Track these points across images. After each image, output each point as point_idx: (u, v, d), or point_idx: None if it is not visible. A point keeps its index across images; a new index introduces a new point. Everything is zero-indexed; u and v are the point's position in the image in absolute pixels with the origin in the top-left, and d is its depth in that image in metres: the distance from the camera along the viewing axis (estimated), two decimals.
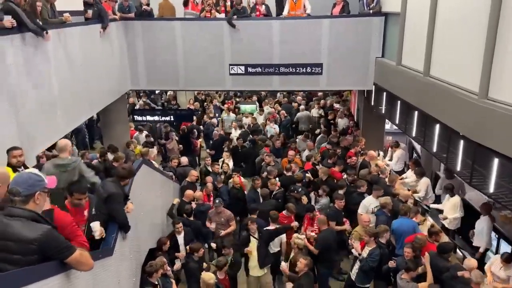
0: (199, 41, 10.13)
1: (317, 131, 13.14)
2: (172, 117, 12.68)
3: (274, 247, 6.96)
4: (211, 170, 9.57)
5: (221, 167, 9.71)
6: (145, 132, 12.48)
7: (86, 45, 7.88)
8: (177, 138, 12.03)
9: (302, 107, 14.70)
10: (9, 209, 2.65)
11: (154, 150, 10.95)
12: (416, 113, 7.62)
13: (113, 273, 4.29)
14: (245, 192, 8.72)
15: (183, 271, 6.59)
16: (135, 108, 14.72)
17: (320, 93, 16.78)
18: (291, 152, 9.90)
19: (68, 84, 7.09)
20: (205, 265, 6.41)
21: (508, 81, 4.86)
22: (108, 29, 8.77)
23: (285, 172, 8.97)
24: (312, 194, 8.57)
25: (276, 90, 16.32)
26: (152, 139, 12.27)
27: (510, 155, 4.69)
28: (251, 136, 11.96)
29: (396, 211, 7.05)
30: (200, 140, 13.00)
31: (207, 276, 5.36)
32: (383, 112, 9.69)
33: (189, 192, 7.91)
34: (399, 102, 8.48)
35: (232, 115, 14.75)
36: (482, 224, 7.01)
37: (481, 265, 6.03)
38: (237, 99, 18.08)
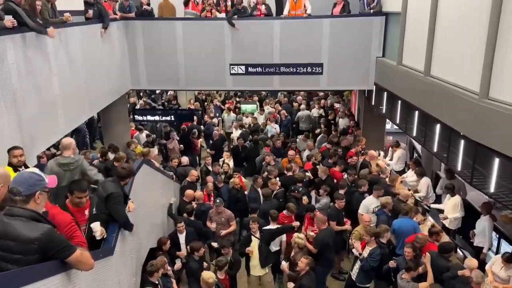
0: (199, 41, 10.13)
1: (317, 130, 13.14)
2: (172, 117, 12.69)
3: (274, 246, 6.96)
4: (211, 170, 9.57)
5: (222, 167, 9.71)
6: (145, 132, 12.49)
7: (87, 45, 7.89)
8: (178, 138, 12.04)
9: (302, 106, 14.71)
10: (10, 208, 2.65)
11: (154, 150, 10.96)
12: (416, 112, 7.62)
13: (113, 272, 4.29)
14: (246, 192, 8.71)
15: (184, 271, 6.60)
16: (136, 107, 14.73)
17: (321, 93, 16.79)
18: (291, 152, 9.90)
19: (69, 83, 7.10)
20: (205, 264, 6.41)
21: (509, 81, 4.86)
22: (108, 29, 8.77)
23: (285, 172, 8.97)
24: (312, 193, 8.58)
25: (277, 90, 16.34)
26: (151, 138, 12.29)
27: (511, 154, 4.69)
28: (255, 136, 11.91)
29: (397, 210, 7.06)
30: (200, 140, 13.00)
31: (207, 275, 5.36)
32: (384, 111, 9.69)
33: (189, 191, 7.92)
34: (399, 102, 8.48)
35: (233, 115, 14.76)
36: (482, 224, 7.00)
37: (481, 265, 6.03)
38: (238, 99, 18.07)
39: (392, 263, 5.98)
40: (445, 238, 6.77)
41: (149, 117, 12.96)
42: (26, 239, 2.55)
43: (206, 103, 17.76)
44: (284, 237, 7.09)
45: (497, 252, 7.26)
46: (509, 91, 4.86)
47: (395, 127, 10.73)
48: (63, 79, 6.86)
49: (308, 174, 8.94)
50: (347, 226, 7.39)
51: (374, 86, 10.09)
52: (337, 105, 15.33)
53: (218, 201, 7.47)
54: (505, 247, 7.27)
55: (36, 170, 2.97)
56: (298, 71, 10.23)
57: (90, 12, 8.47)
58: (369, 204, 7.40)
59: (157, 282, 5.31)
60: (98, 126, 13.84)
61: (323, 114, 14.71)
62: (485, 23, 5.10)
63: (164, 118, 12.71)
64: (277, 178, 8.57)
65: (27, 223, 2.60)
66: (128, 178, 4.85)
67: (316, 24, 9.90)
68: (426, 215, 7.60)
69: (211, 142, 12.70)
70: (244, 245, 6.65)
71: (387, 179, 8.38)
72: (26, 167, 4.62)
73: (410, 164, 9.49)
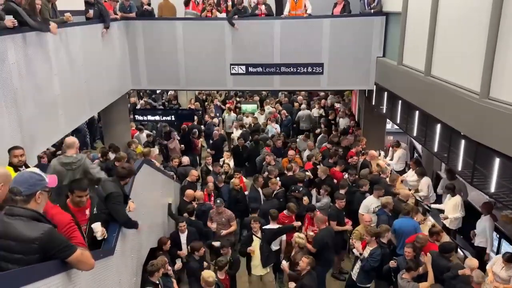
0: (200, 41, 10.14)
1: (318, 130, 13.15)
2: (173, 116, 12.70)
3: (273, 246, 6.96)
4: (211, 170, 9.58)
5: (222, 167, 9.71)
6: (145, 132, 12.49)
7: (87, 45, 7.89)
8: (178, 138, 12.04)
9: (303, 106, 14.72)
10: (11, 208, 2.65)
11: (155, 150, 10.96)
12: (417, 112, 7.61)
13: (114, 272, 4.30)
14: (246, 192, 8.71)
15: (185, 270, 6.61)
16: (137, 107, 14.74)
17: (322, 93, 16.80)
18: (291, 152, 9.90)
19: (69, 83, 7.10)
20: (205, 264, 6.42)
21: (509, 80, 4.86)
22: (109, 29, 8.78)
23: (286, 171, 8.97)
24: (313, 192, 8.56)
25: (277, 90, 16.34)
26: (152, 138, 12.29)
27: (511, 154, 4.68)
28: (256, 136, 11.91)
29: (397, 210, 7.06)
30: (201, 139, 13.00)
31: (207, 274, 5.38)
32: (384, 111, 9.69)
33: (189, 191, 7.92)
34: (400, 101, 8.47)
35: (233, 115, 14.77)
36: (483, 224, 7.00)
37: (482, 265, 6.02)
38: (238, 99, 18.07)
39: (392, 263, 5.98)
40: (445, 238, 6.76)
41: (150, 117, 12.97)
42: (26, 238, 2.55)
43: (206, 103, 17.76)
44: (284, 236, 7.09)
45: (497, 252, 7.26)
46: (509, 91, 4.86)
47: (396, 127, 10.74)
48: (64, 79, 6.86)
49: (308, 173, 8.94)
50: (348, 226, 7.39)
51: (375, 86, 10.09)
52: (337, 105, 15.34)
53: (218, 201, 7.47)
54: (506, 247, 7.27)
55: (37, 170, 2.97)
56: (298, 71, 10.23)
57: (91, 12, 8.48)
58: (370, 204, 7.40)
59: (157, 282, 5.32)
60: (98, 126, 13.84)
61: (323, 114, 14.71)
62: (486, 23, 5.09)
63: (164, 118, 12.72)
64: (277, 178, 8.57)
65: (27, 222, 2.60)
66: (128, 178, 4.85)
67: (316, 24, 9.90)
68: (426, 215, 7.59)
69: (211, 142, 12.70)
70: (246, 244, 6.65)
71: (387, 179, 8.38)
72: (27, 167, 4.62)
73: (410, 164, 9.49)
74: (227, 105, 15.82)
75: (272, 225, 6.87)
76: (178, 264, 6.43)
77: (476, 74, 5.34)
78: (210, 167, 9.78)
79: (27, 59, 5.71)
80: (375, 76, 9.95)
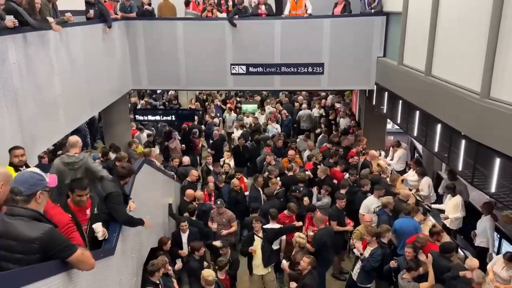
0: (200, 41, 10.14)
1: (318, 130, 13.15)
2: (173, 116, 12.70)
3: (273, 245, 6.97)
4: (212, 170, 9.58)
5: (222, 167, 9.71)
6: (146, 132, 12.50)
7: (88, 45, 7.89)
8: (179, 138, 12.05)
9: (304, 105, 14.73)
10: (11, 208, 2.65)
11: (156, 149, 10.97)
12: (417, 112, 7.61)
13: (114, 272, 4.30)
14: (246, 193, 8.70)
15: (185, 270, 6.61)
16: (137, 107, 14.75)
17: (323, 93, 16.80)
18: (291, 152, 9.89)
19: (70, 83, 7.11)
20: (205, 264, 6.42)
21: (510, 80, 4.85)
22: (108, 30, 8.78)
23: (286, 171, 8.97)
24: (314, 190, 8.54)
25: (278, 90, 16.34)
26: (152, 138, 12.29)
27: None
28: (256, 135, 11.89)
29: (398, 210, 7.06)
30: (201, 139, 13.00)
31: (207, 273, 5.40)
32: (385, 111, 9.68)
33: (190, 191, 7.92)
34: (400, 101, 8.47)
35: (234, 115, 14.78)
36: (484, 224, 7.00)
37: (482, 265, 6.01)
38: (238, 99, 18.07)
39: (393, 263, 5.98)
40: (445, 238, 6.76)
41: (150, 117, 12.97)
42: (27, 238, 2.55)
43: (207, 103, 17.77)
44: (284, 236, 7.09)
45: (498, 252, 7.25)
46: (510, 91, 4.85)
47: (396, 127, 10.73)
48: (64, 79, 6.87)
49: (308, 173, 8.94)
50: (349, 227, 7.38)
51: (375, 86, 10.09)
52: (337, 105, 15.34)
53: (219, 202, 7.46)
54: (506, 247, 7.27)
55: (37, 170, 2.97)
56: (299, 71, 10.22)
57: (91, 12, 8.48)
58: (370, 204, 7.40)
59: (158, 282, 5.32)
60: (99, 126, 13.85)
61: (324, 114, 14.71)
62: (486, 23, 5.09)
63: (165, 118, 12.72)
64: (278, 178, 8.57)
65: (28, 222, 2.60)
66: (127, 178, 4.85)
67: (317, 24, 9.90)
68: (427, 215, 7.59)
69: (211, 142, 12.71)
70: (247, 244, 6.66)
71: (387, 179, 8.37)
72: (27, 167, 4.63)
73: (411, 164, 9.49)
74: (228, 105, 15.82)
75: (272, 225, 6.88)
76: (179, 264, 6.44)
77: (476, 74, 5.33)
78: (211, 167, 9.78)
79: (27, 59, 5.72)
80: (375, 76, 9.95)
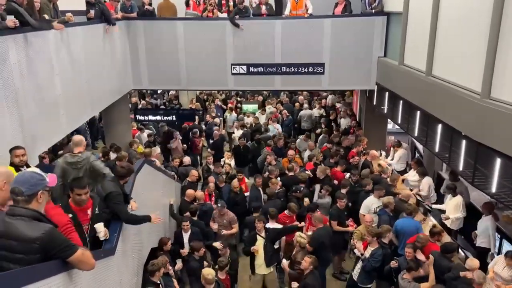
0: (201, 41, 10.14)
1: (318, 130, 13.15)
2: (174, 116, 12.71)
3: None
4: (212, 169, 9.57)
5: (223, 167, 9.71)
6: (147, 131, 12.50)
7: (89, 45, 7.90)
8: (181, 138, 12.06)
9: (305, 105, 14.73)
10: (12, 208, 2.66)
11: (157, 149, 10.97)
12: (418, 112, 7.61)
13: (115, 272, 4.30)
14: (247, 194, 8.69)
15: (185, 271, 6.62)
16: (138, 107, 14.75)
17: (324, 93, 16.80)
18: (290, 152, 9.89)
19: (71, 83, 7.11)
20: (206, 264, 6.43)
21: (511, 80, 4.85)
22: (110, 28, 8.79)
23: (287, 171, 8.98)
24: (317, 186, 8.52)
25: (278, 90, 16.34)
26: (153, 138, 12.30)
27: None
28: (257, 135, 11.89)
29: (398, 210, 7.06)
30: (202, 139, 13.00)
31: (207, 272, 5.43)
32: (385, 111, 9.68)
33: (190, 191, 7.91)
34: (401, 101, 8.47)
35: (235, 115, 14.78)
36: (484, 224, 6.99)
37: (483, 266, 6.01)
38: (239, 99, 18.07)
39: (393, 263, 5.97)
40: (446, 238, 6.76)
41: (151, 117, 12.97)
42: (27, 238, 2.56)
43: (207, 103, 17.77)
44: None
45: (499, 253, 7.24)
46: (510, 91, 4.85)
47: (397, 127, 10.72)
48: (65, 79, 6.87)
49: (308, 173, 8.94)
50: (350, 228, 7.37)
51: (376, 86, 10.08)
52: (338, 105, 15.34)
53: (219, 205, 7.46)
54: (507, 247, 7.27)
55: (37, 170, 2.97)
56: (299, 71, 10.23)
57: (92, 12, 8.49)
58: (371, 204, 7.39)
59: (158, 282, 5.32)
60: (99, 126, 13.86)
61: (324, 114, 14.70)
62: (487, 23, 5.09)
63: (165, 118, 12.72)
64: (278, 178, 8.57)
65: (28, 222, 2.61)
66: (127, 177, 4.87)
67: (317, 24, 9.90)
68: (428, 215, 7.59)
69: (210, 141, 12.71)
70: (249, 244, 6.67)
71: (388, 179, 8.37)
72: (28, 167, 4.63)
73: (411, 164, 9.48)
74: (229, 105, 15.83)
75: (272, 224, 6.89)
76: (179, 264, 6.44)
77: (477, 74, 5.33)
78: (211, 167, 9.78)
79: (28, 59, 5.72)
80: (376, 76, 9.95)
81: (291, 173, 8.81)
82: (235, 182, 8.47)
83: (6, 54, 5.20)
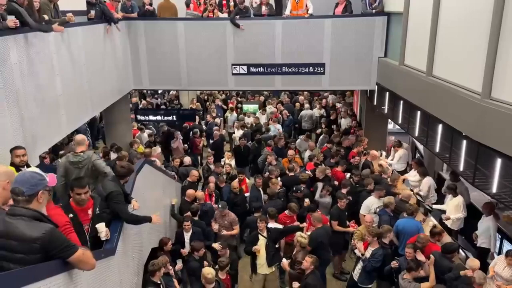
0: (201, 41, 10.15)
1: (319, 131, 13.15)
2: (174, 116, 12.70)
3: None
4: (212, 169, 9.57)
5: (223, 167, 9.71)
6: (147, 131, 12.51)
7: (89, 45, 7.91)
8: (182, 138, 12.06)
9: (307, 105, 14.72)
10: (12, 208, 2.66)
11: (157, 149, 10.97)
12: (418, 113, 7.61)
13: (115, 272, 4.30)
14: (247, 194, 8.69)
15: (185, 270, 6.62)
16: (139, 107, 14.75)
17: (326, 93, 16.80)
18: (290, 152, 9.89)
19: (71, 83, 7.12)
20: (206, 264, 6.43)
21: (511, 81, 4.84)
22: (110, 28, 8.80)
23: (287, 172, 8.97)
24: (319, 184, 8.51)
25: (279, 90, 16.34)
26: (153, 138, 12.30)
27: None
28: (258, 136, 11.89)
29: (398, 210, 7.05)
30: (203, 139, 13.01)
31: (207, 271, 5.44)
32: (386, 112, 9.68)
33: (190, 191, 7.91)
34: (401, 102, 8.47)
35: (236, 115, 14.78)
36: (485, 224, 6.98)
37: (484, 266, 6.01)
38: (239, 99, 18.07)
39: (394, 263, 5.97)
40: (446, 238, 6.76)
41: (152, 117, 12.97)
42: (28, 238, 2.56)
43: (208, 103, 17.77)
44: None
45: (499, 253, 7.24)
46: (511, 91, 4.85)
47: (397, 127, 10.72)
48: (66, 79, 6.88)
49: (308, 172, 8.94)
50: (351, 229, 7.36)
51: (376, 86, 10.08)
52: (338, 105, 15.34)
53: (220, 206, 7.46)
54: (508, 247, 7.26)
55: (37, 170, 2.98)
56: (300, 71, 10.23)
57: (92, 12, 8.50)
58: (371, 204, 7.40)
59: (159, 282, 5.33)
60: (100, 126, 13.87)
61: (325, 114, 14.70)
62: (487, 23, 5.09)
63: (166, 118, 12.73)
64: (279, 178, 8.57)
65: (29, 222, 2.61)
66: (127, 177, 4.87)
67: (318, 24, 9.90)
68: (428, 215, 7.59)
69: (211, 142, 12.71)
70: (251, 243, 6.67)
71: (388, 180, 8.37)
72: (28, 167, 4.64)
73: (412, 164, 9.48)
74: (230, 105, 15.82)
75: (271, 224, 6.89)
76: (179, 265, 6.44)
77: (477, 74, 5.33)
78: (212, 167, 9.78)
79: (29, 59, 5.73)
80: (376, 76, 9.95)
81: (291, 173, 8.81)
82: (235, 183, 8.46)
83: (6, 54, 5.20)
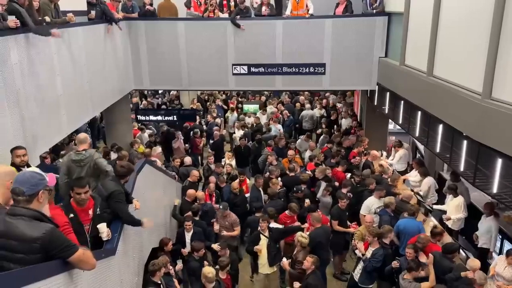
0: (202, 41, 10.15)
1: (319, 131, 13.14)
2: (175, 116, 12.71)
3: None
4: (213, 169, 9.57)
5: (224, 167, 9.71)
6: (148, 131, 12.51)
7: (90, 45, 7.91)
8: (182, 138, 12.06)
9: (308, 105, 14.71)
10: (13, 208, 2.66)
11: (158, 148, 10.98)
12: (419, 113, 7.61)
13: (115, 272, 4.31)
14: (247, 195, 8.69)
15: (185, 270, 6.62)
16: (139, 107, 14.76)
17: (327, 94, 16.80)
18: (290, 152, 9.88)
19: (72, 84, 7.12)
20: (206, 263, 6.43)
21: None
22: (111, 29, 8.80)
23: (288, 172, 8.97)
24: (322, 183, 8.52)
25: (279, 90, 16.34)
26: (154, 138, 12.30)
27: None
28: (258, 136, 11.89)
29: (399, 210, 7.04)
30: (203, 139, 13.01)
31: (207, 270, 5.45)
32: (386, 112, 9.68)
33: (191, 191, 7.91)
34: (402, 102, 8.47)
35: (236, 115, 14.77)
36: (487, 224, 6.97)
37: (484, 266, 6.00)
38: (240, 99, 18.07)
39: (395, 263, 5.97)
40: (447, 238, 6.75)
41: (152, 117, 12.98)
42: (28, 238, 2.56)
43: (208, 103, 17.77)
44: None
45: (500, 253, 7.23)
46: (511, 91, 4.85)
47: (398, 127, 10.72)
48: (66, 79, 6.88)
49: (309, 173, 8.94)
50: (351, 230, 7.36)
51: (377, 86, 10.08)
52: (339, 105, 15.34)
53: (221, 207, 7.45)
54: (508, 247, 7.24)
55: (37, 169, 2.98)
56: (300, 71, 10.23)
57: (93, 13, 8.50)
58: (371, 204, 7.39)
59: (159, 282, 5.33)
60: (101, 126, 13.88)
61: (325, 114, 14.70)
62: (488, 23, 5.08)
63: (166, 118, 12.73)
64: (279, 178, 8.57)
65: (29, 222, 2.61)
66: (127, 176, 4.88)
67: (318, 24, 9.90)
68: (428, 215, 7.58)
69: (211, 142, 12.72)
70: (253, 243, 6.68)
71: (388, 180, 8.36)
72: (29, 167, 4.64)
73: (413, 164, 9.48)
74: (230, 105, 15.83)
75: (271, 224, 6.89)
76: (179, 265, 6.45)
77: (478, 74, 5.33)
78: (212, 166, 9.78)
79: (29, 59, 5.73)
80: (377, 76, 9.94)
81: (292, 174, 8.81)
82: (234, 183, 8.45)
83: (7, 54, 5.20)
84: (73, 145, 10.06)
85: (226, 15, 11.00)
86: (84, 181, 4.37)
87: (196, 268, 6.09)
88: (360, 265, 6.33)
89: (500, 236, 7.45)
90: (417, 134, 7.86)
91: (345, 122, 13.28)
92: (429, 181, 8.45)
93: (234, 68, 10.36)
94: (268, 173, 8.88)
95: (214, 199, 8.32)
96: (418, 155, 12.24)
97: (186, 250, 6.69)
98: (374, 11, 9.59)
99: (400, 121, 8.72)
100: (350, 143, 10.91)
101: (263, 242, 6.61)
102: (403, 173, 9.68)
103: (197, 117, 13.85)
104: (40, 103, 6.01)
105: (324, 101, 15.73)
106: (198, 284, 5.69)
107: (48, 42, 6.27)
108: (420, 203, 8.03)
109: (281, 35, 9.99)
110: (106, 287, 3.97)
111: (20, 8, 5.55)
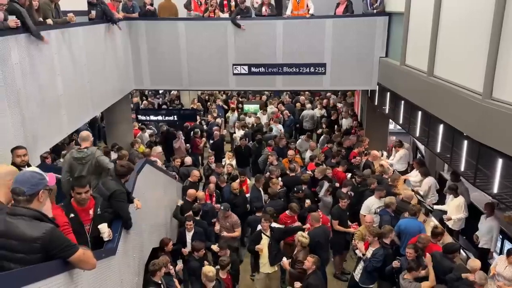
0: (202, 41, 10.15)
1: (319, 131, 13.14)
2: (175, 116, 12.71)
3: None
4: (213, 169, 9.57)
5: (224, 167, 9.70)
6: (148, 131, 12.51)
7: (90, 45, 7.91)
8: (183, 138, 12.05)
9: (308, 105, 14.72)
10: (13, 208, 2.66)
11: (158, 148, 10.99)
12: (419, 113, 7.60)
13: (116, 272, 4.31)
14: (248, 195, 8.69)
15: (185, 270, 6.63)
16: (140, 107, 14.76)
17: (328, 94, 16.80)
18: (290, 152, 9.88)
19: (72, 83, 7.12)
20: (206, 263, 6.43)
21: None
22: (112, 29, 8.80)
23: (288, 172, 8.97)
24: (325, 182, 8.52)
25: (280, 90, 16.34)
26: (154, 138, 12.31)
27: None
28: (258, 136, 11.89)
29: (399, 210, 7.04)
30: (203, 139, 13.01)
31: (207, 269, 5.46)
32: (387, 112, 9.68)
33: (191, 191, 7.91)
34: (402, 102, 8.47)
35: (237, 115, 14.77)
36: (488, 224, 6.97)
37: (485, 266, 6.00)
38: (240, 99, 18.06)
39: (395, 263, 5.97)
40: (447, 238, 6.75)
41: (152, 117, 12.98)
42: (28, 238, 2.56)
43: (209, 103, 17.78)
44: None
45: (500, 253, 7.23)
46: None
47: (398, 127, 10.71)
48: (67, 79, 6.88)
49: (310, 173, 8.94)
50: (351, 230, 7.35)
51: (377, 86, 10.07)
52: (339, 105, 15.34)
53: (222, 207, 7.45)
54: (508, 247, 7.22)
55: (37, 169, 2.98)
56: (301, 71, 10.22)
57: (93, 13, 8.49)
58: (371, 204, 7.40)
59: (160, 282, 5.33)
60: (101, 126, 13.88)
61: (325, 114, 14.70)
62: (488, 24, 5.08)
63: (167, 118, 12.73)
64: (279, 178, 8.56)
65: (29, 222, 2.61)
66: (127, 175, 4.88)
67: (319, 24, 9.89)
68: (429, 215, 7.57)
69: (211, 142, 12.72)
70: (254, 242, 6.68)
71: (389, 180, 8.36)
72: (29, 167, 4.64)
73: (413, 164, 9.47)
74: (231, 105, 15.83)
75: (272, 224, 6.90)
76: (179, 265, 6.45)
77: (478, 74, 5.32)
78: (213, 166, 9.78)
79: (30, 59, 5.73)
80: (377, 76, 9.94)
81: (292, 174, 8.81)
82: (234, 184, 8.44)
83: (8, 54, 5.21)
84: (73, 145, 10.06)
85: (226, 15, 10.99)
86: (84, 180, 4.37)
87: (196, 268, 6.10)
88: (361, 265, 6.33)
89: (501, 236, 7.44)
90: (417, 134, 7.85)
91: (345, 122, 13.27)
92: (430, 181, 8.45)
93: (235, 68, 10.36)
94: (268, 173, 8.88)
95: (214, 199, 8.31)
96: (418, 155, 12.24)
97: (186, 250, 6.69)
98: (375, 11, 9.59)
99: (401, 121, 8.72)
100: (351, 143, 10.91)
101: (265, 241, 6.61)
102: (403, 173, 9.67)
103: (198, 117, 13.85)
104: (40, 103, 6.02)
105: (325, 101, 15.72)
106: (198, 283, 5.69)
107: (48, 42, 6.28)
108: (420, 203, 8.02)
109: (281, 35, 9.99)
110: (107, 287, 3.97)
111: (21, 8, 5.56)
